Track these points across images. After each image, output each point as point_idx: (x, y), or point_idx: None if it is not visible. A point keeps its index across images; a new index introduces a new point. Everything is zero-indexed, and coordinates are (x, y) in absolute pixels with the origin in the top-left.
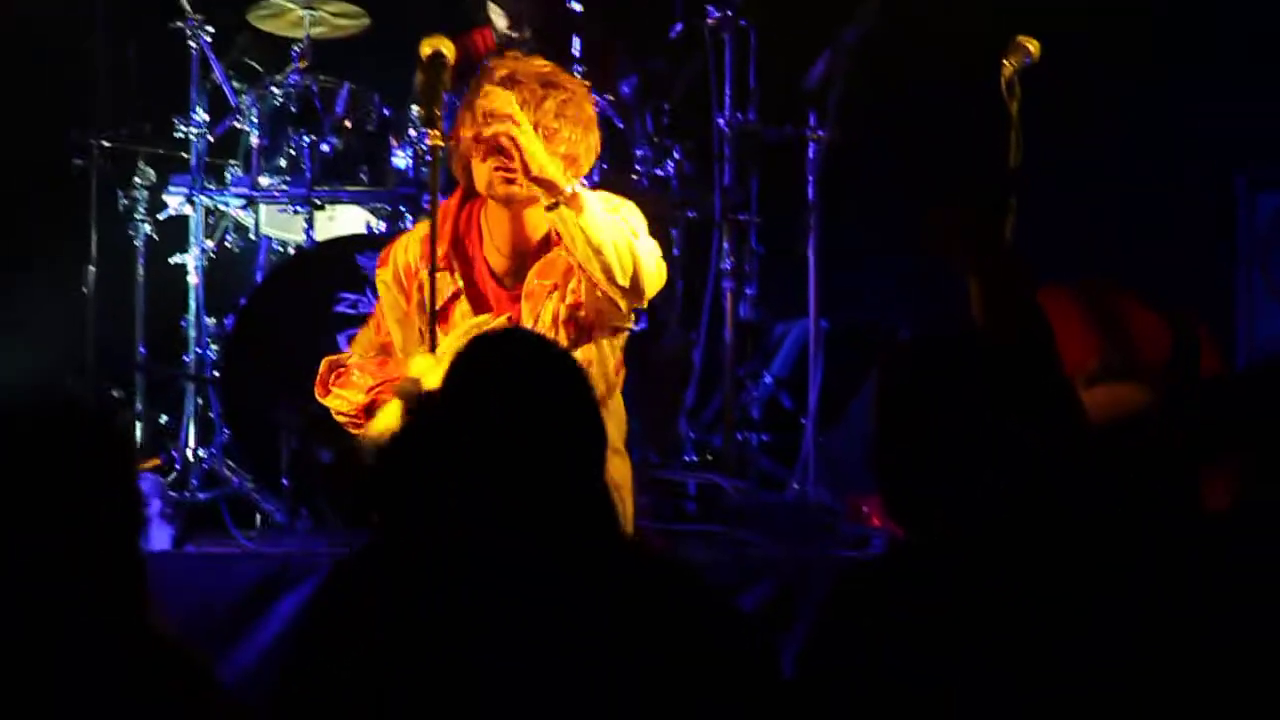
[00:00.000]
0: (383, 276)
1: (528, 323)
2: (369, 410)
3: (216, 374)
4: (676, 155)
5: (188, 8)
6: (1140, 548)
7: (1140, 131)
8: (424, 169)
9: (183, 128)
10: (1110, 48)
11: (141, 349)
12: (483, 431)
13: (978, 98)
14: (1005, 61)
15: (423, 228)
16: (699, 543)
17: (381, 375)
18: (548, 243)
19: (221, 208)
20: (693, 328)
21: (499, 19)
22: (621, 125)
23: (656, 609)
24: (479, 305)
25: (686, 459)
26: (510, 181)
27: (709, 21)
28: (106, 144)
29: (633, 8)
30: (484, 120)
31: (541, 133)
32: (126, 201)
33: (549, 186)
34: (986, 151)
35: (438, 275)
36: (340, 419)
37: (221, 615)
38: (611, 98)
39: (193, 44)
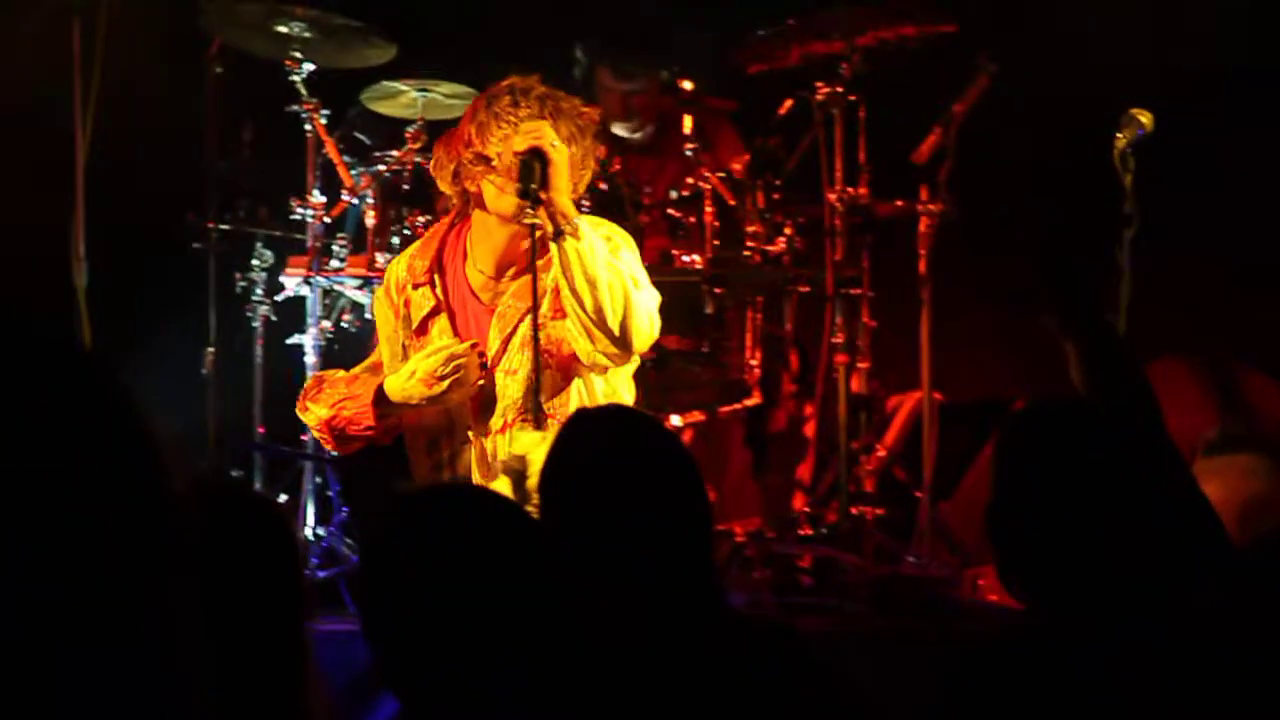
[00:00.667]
0: (378, 293)
1: (496, 342)
2: (332, 426)
3: (334, 453)
4: (788, 231)
5: (304, 91)
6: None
7: (1255, 193)
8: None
9: (299, 210)
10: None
11: (260, 429)
12: (588, 510)
13: (1091, 170)
14: (1118, 134)
15: (414, 246)
16: (814, 616)
17: (346, 391)
18: (525, 266)
19: (337, 287)
20: (807, 402)
21: (611, 106)
22: (733, 203)
23: (770, 680)
24: (456, 321)
25: (801, 533)
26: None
27: (818, 97)
28: (224, 227)
29: (743, 84)
30: (523, 133)
31: (573, 176)
32: (244, 283)
33: (560, 215)
34: (1097, 222)
35: (419, 291)
36: (314, 434)
37: (341, 692)
38: (722, 175)
39: (308, 127)
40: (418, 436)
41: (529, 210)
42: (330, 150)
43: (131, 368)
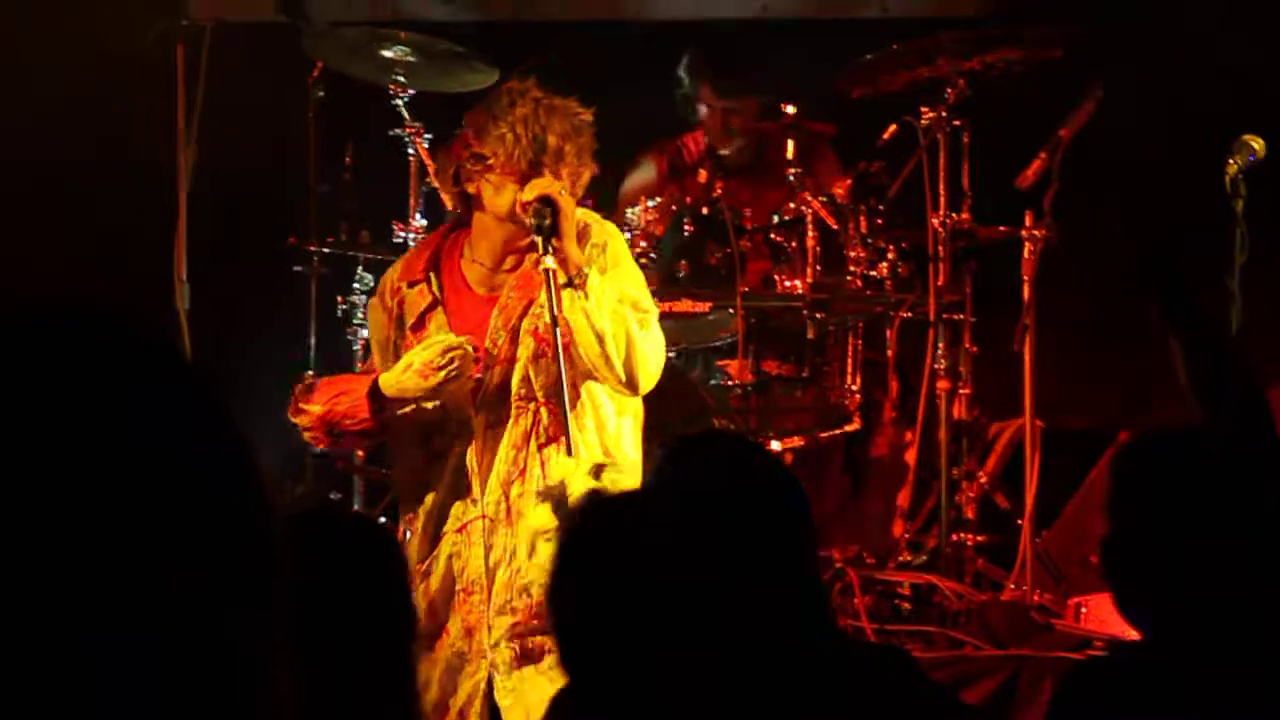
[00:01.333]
0: (371, 302)
1: (500, 334)
2: (327, 421)
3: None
4: (890, 256)
5: (406, 115)
6: None
7: None
8: (642, 261)
9: (401, 233)
10: None
11: (359, 453)
12: (693, 536)
13: (1201, 196)
14: (1230, 160)
15: (410, 251)
16: (915, 643)
17: (338, 388)
18: (522, 258)
19: None
20: (907, 428)
21: (712, 125)
22: (835, 227)
23: (887, 702)
24: (452, 315)
25: (901, 559)
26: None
27: (922, 121)
28: (325, 250)
29: (846, 109)
30: (530, 186)
31: (572, 168)
32: (345, 307)
33: (571, 264)
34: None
35: (415, 288)
36: (306, 435)
37: None
38: (824, 199)
39: (411, 150)
40: (409, 430)
41: (543, 257)
42: (433, 174)
43: (231, 390)
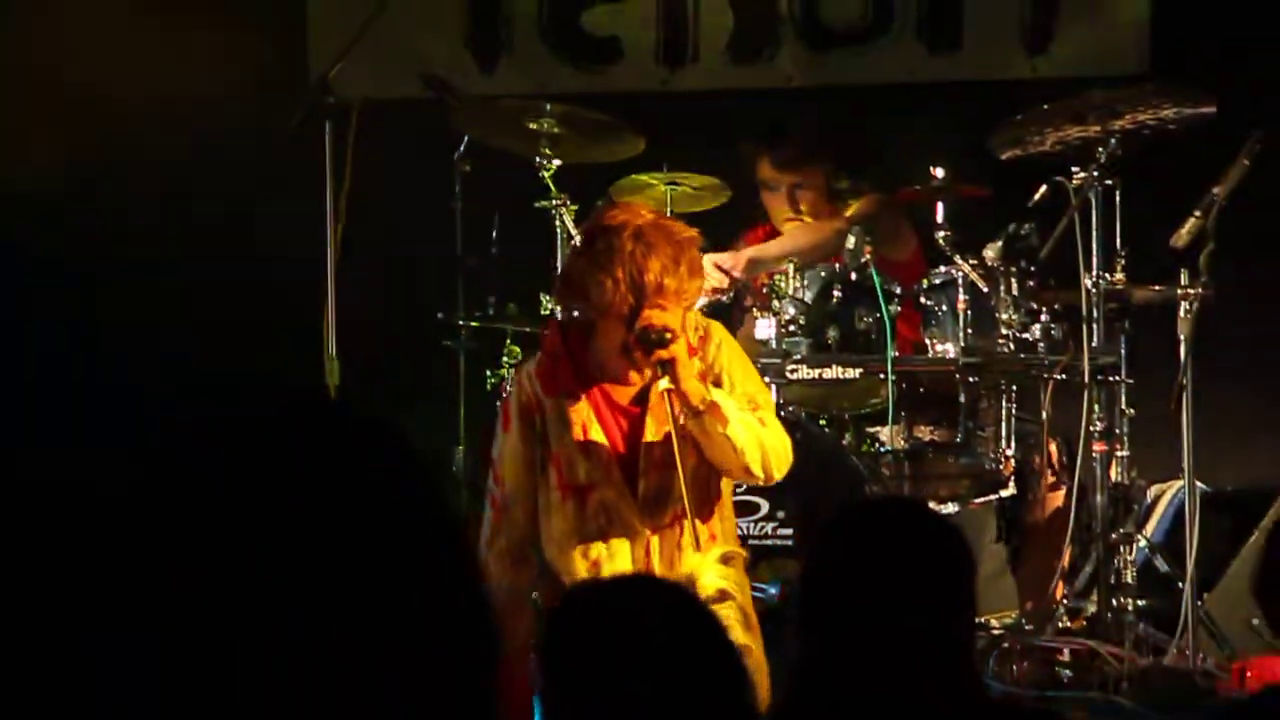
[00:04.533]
0: (503, 434)
1: (656, 434)
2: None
3: None
4: (1043, 318)
5: (553, 187)
6: None
7: None
8: (786, 339)
9: (548, 305)
10: None
11: None
12: (858, 598)
13: None
14: None
15: (530, 365)
16: (1079, 710)
17: None
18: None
19: None
20: (1066, 491)
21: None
22: (986, 290)
23: None
24: (605, 429)
25: (1060, 625)
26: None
27: (1073, 182)
28: (474, 324)
29: (996, 171)
30: (655, 332)
31: (678, 293)
32: (494, 380)
33: (691, 397)
34: None
35: (569, 403)
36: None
37: None
38: (974, 262)
39: (557, 222)
40: (568, 542)
41: (660, 379)
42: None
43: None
